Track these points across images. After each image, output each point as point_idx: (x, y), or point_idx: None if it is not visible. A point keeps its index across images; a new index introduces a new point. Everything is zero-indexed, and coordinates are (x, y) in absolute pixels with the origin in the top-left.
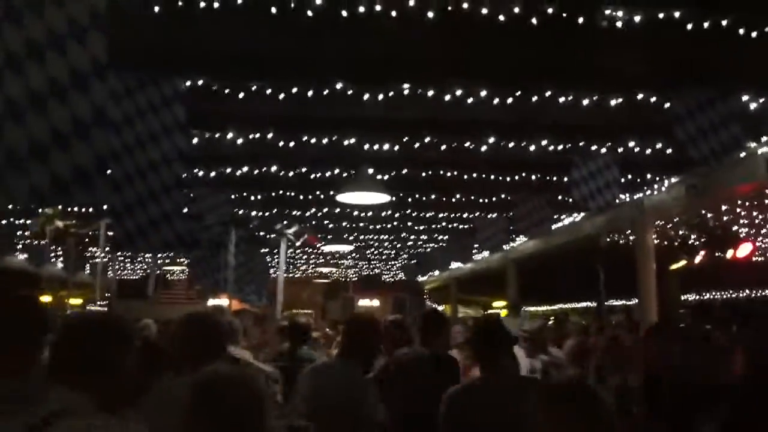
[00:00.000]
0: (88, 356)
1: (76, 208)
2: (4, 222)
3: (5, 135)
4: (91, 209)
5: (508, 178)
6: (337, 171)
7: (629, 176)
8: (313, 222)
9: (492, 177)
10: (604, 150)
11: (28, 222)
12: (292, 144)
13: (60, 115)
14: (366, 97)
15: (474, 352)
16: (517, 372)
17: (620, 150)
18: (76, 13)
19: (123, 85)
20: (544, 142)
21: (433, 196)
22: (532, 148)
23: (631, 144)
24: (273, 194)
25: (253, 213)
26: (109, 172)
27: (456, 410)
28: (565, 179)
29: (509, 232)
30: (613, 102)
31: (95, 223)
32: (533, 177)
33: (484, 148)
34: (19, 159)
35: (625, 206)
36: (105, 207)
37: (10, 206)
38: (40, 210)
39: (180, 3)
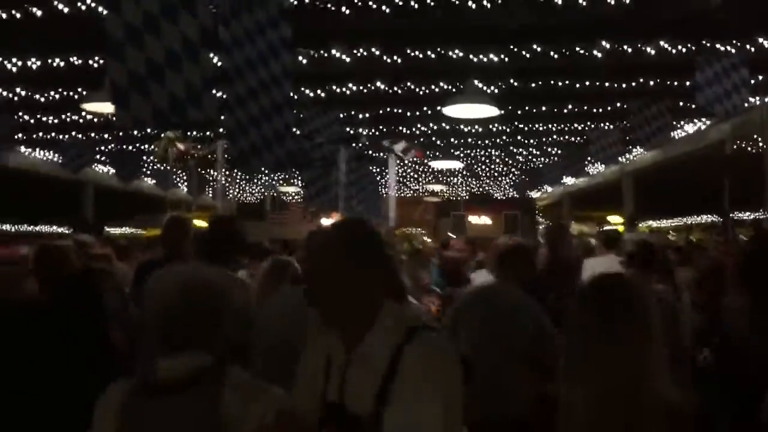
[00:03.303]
0: None
1: (195, 132)
2: (132, 149)
3: (127, 59)
4: (208, 132)
5: (624, 85)
6: (444, 85)
7: (759, 77)
8: (422, 139)
9: (607, 84)
10: (731, 49)
11: (152, 147)
12: (398, 59)
13: (173, 37)
14: (472, 4)
15: None
16: None
17: (749, 48)
18: None
19: (229, 6)
20: (663, 43)
21: (543, 108)
22: (651, 50)
23: (762, 41)
24: (380, 112)
25: (362, 131)
26: (221, 93)
27: None
28: (688, 83)
29: (625, 143)
30: None
31: (213, 144)
32: (652, 82)
33: (598, 53)
34: (140, 81)
35: (754, 110)
36: (221, 130)
37: (135, 131)
38: (162, 135)
39: None
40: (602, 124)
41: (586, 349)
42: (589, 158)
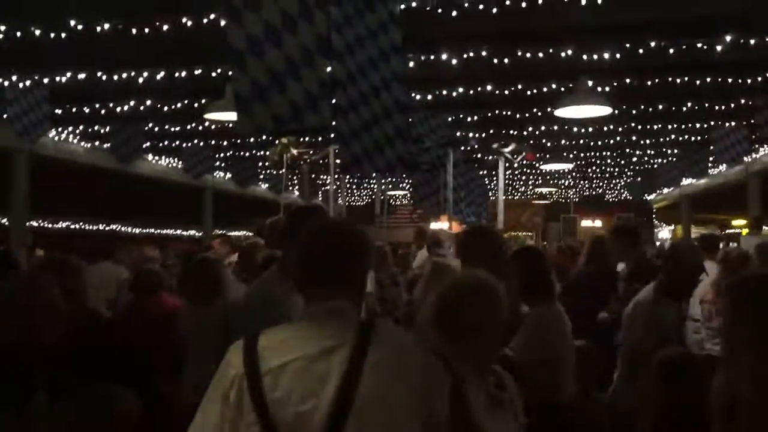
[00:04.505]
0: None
1: (307, 138)
2: (248, 155)
3: (249, 69)
4: (320, 138)
5: (749, 80)
6: (554, 85)
7: None
8: (531, 141)
9: (730, 80)
10: None
11: (267, 153)
12: (507, 60)
13: (292, 45)
14: (582, 1)
15: None
16: None
17: None
18: None
19: (342, 14)
20: None
21: (660, 107)
22: None
23: None
24: (489, 114)
25: (471, 134)
26: (333, 100)
27: None
28: None
29: (751, 142)
30: None
31: (324, 149)
32: None
33: (720, 47)
34: (261, 90)
35: None
36: (332, 135)
37: (251, 138)
38: (276, 141)
39: None
40: (724, 123)
41: (759, 338)
42: (710, 158)
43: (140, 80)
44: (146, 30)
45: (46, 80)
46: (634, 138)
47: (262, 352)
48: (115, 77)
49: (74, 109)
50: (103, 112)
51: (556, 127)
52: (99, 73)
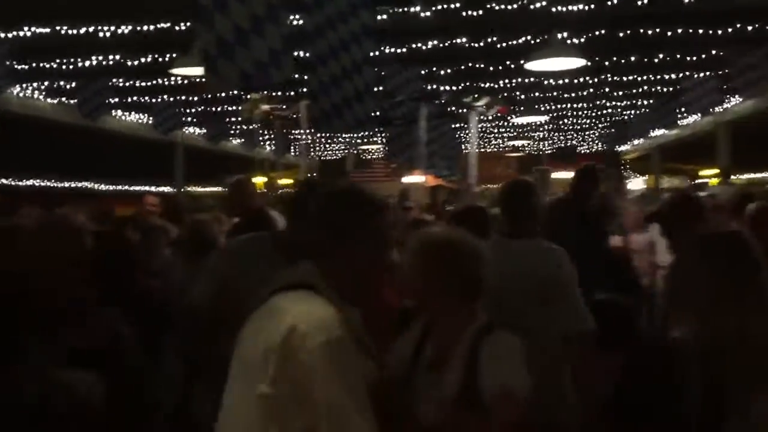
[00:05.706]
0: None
1: (279, 93)
2: (219, 109)
3: (215, 25)
4: (291, 93)
5: (720, 31)
6: (527, 38)
7: None
8: (504, 94)
9: (701, 31)
10: None
11: (240, 108)
12: (479, 13)
13: (257, 1)
14: None
15: None
16: None
17: None
18: None
19: None
20: None
21: (632, 58)
22: None
23: None
24: (462, 67)
25: (443, 87)
26: (302, 54)
27: None
28: None
29: (721, 93)
30: None
31: (296, 105)
32: (750, 27)
33: None
34: (227, 46)
35: None
36: (303, 90)
37: (221, 93)
38: (247, 96)
39: None
40: (696, 74)
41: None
42: (681, 109)
43: (105, 34)
44: None
45: (8, 35)
46: (606, 90)
47: None
48: (78, 31)
49: (38, 65)
50: (68, 67)
51: (529, 80)
52: (61, 28)
